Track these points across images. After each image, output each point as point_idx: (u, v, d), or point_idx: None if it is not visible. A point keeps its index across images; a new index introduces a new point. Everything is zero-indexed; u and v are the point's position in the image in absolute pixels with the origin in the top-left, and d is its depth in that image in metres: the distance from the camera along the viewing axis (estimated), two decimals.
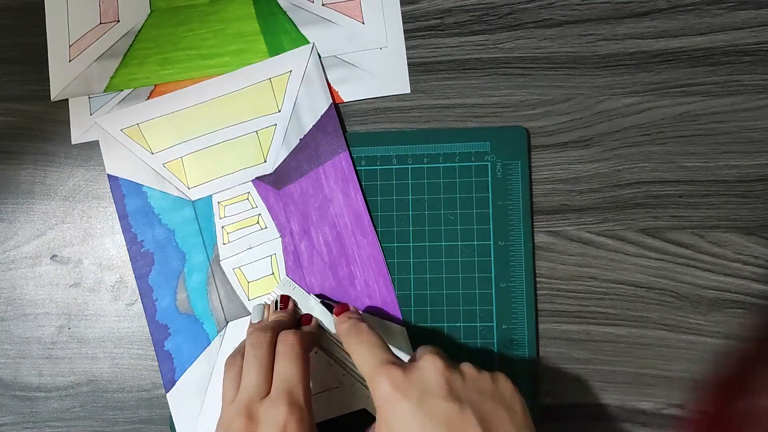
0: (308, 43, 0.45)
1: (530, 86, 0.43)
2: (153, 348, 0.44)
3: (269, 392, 0.34)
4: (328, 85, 0.45)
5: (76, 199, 0.47)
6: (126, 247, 0.45)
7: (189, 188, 0.45)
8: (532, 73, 0.44)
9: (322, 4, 0.46)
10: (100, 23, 0.47)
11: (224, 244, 0.44)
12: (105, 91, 0.47)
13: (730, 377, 0.39)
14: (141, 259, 0.45)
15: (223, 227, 0.44)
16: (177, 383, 0.43)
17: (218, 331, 0.44)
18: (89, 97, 0.47)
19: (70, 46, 0.47)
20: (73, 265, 0.46)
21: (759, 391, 0.36)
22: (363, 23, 0.45)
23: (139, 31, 0.47)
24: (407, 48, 0.45)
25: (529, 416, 0.32)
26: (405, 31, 0.45)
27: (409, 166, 0.44)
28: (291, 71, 0.45)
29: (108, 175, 0.45)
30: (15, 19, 0.48)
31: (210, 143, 0.45)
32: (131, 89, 0.47)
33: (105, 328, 0.45)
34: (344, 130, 0.44)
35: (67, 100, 0.47)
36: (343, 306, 0.39)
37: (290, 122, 0.45)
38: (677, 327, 0.41)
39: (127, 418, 0.44)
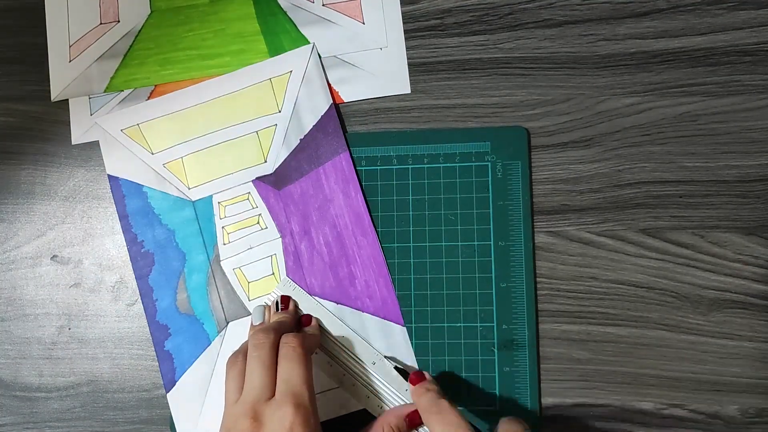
0: (308, 43, 0.45)
1: (530, 86, 0.43)
2: (153, 348, 0.44)
3: (273, 394, 0.34)
4: (329, 85, 0.45)
5: (76, 199, 0.47)
6: (126, 248, 0.45)
7: (189, 188, 0.45)
8: (532, 73, 0.44)
9: (322, 4, 0.46)
10: (100, 23, 0.47)
11: (224, 244, 0.44)
12: (105, 91, 0.47)
13: None
14: (141, 260, 0.45)
15: (223, 227, 0.44)
16: (177, 383, 0.43)
17: (218, 332, 0.44)
18: (89, 98, 0.47)
19: (70, 46, 0.47)
20: (74, 266, 0.46)
21: None
22: (363, 23, 0.45)
23: (140, 31, 0.47)
24: (407, 48, 0.45)
25: None
26: (405, 31, 0.45)
27: (410, 167, 0.44)
28: (291, 71, 0.45)
29: (108, 175, 0.45)
30: (15, 19, 0.48)
31: (210, 143, 0.45)
32: (131, 89, 0.47)
33: (105, 328, 0.45)
34: (344, 130, 0.44)
35: (67, 100, 0.47)
36: (420, 375, 0.37)
37: (290, 122, 0.45)
38: (677, 327, 0.41)
39: (128, 419, 0.44)
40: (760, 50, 0.42)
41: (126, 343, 0.45)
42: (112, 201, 0.46)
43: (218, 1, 0.47)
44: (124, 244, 0.45)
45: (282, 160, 0.44)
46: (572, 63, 0.43)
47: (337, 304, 0.43)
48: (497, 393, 0.41)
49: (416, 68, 0.45)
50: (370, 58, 0.45)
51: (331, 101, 0.44)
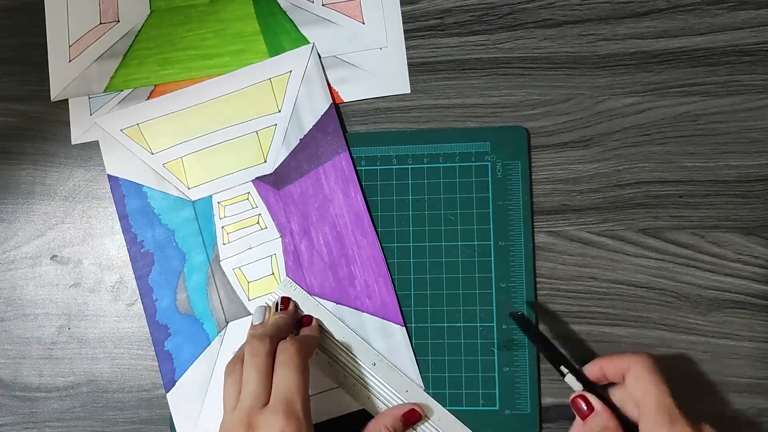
0: (308, 43, 0.45)
1: (530, 86, 0.43)
2: (153, 348, 0.44)
3: (269, 401, 0.34)
4: (329, 85, 0.45)
5: (76, 199, 0.47)
6: (126, 247, 0.45)
7: (189, 188, 0.45)
8: (532, 73, 0.44)
9: (322, 4, 0.46)
10: (100, 23, 0.47)
11: (224, 244, 0.44)
12: (105, 91, 0.47)
13: None
14: (141, 259, 0.45)
15: (223, 227, 0.44)
16: (177, 383, 0.43)
17: (218, 332, 0.44)
18: (89, 97, 0.47)
19: (70, 46, 0.47)
20: (73, 266, 0.46)
21: None
22: (363, 23, 0.45)
23: (139, 31, 0.47)
24: (407, 48, 0.45)
25: None
26: (405, 31, 0.45)
27: (409, 166, 0.44)
28: (291, 71, 0.45)
29: (108, 175, 0.45)
30: (15, 19, 0.48)
31: (210, 143, 0.45)
32: (131, 89, 0.47)
33: (105, 328, 0.45)
34: (344, 130, 0.44)
35: (67, 100, 0.47)
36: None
37: (290, 122, 0.45)
38: (677, 327, 0.41)
39: (127, 419, 0.44)
40: (759, 50, 0.42)
41: (126, 343, 0.45)
42: (112, 201, 0.46)
43: (218, 1, 0.47)
44: (124, 244, 0.45)
45: (282, 160, 0.44)
46: (572, 63, 0.43)
47: (337, 304, 0.43)
48: (497, 393, 0.41)
49: (416, 68, 0.45)
50: (370, 58, 0.45)
51: (331, 101, 0.44)
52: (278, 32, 0.46)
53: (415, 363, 0.42)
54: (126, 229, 0.45)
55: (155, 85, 0.46)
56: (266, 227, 0.44)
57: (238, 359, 0.37)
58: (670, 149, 0.42)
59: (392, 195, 0.43)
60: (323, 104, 0.44)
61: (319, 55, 0.45)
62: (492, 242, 0.42)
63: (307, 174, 0.44)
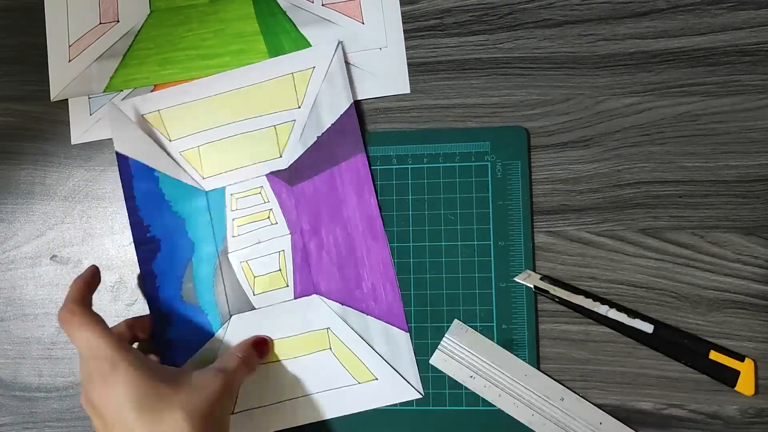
0: (308, 43, 0.45)
1: (530, 86, 0.43)
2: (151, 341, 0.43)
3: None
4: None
5: (75, 199, 0.47)
6: (130, 231, 0.44)
7: (204, 178, 0.45)
8: (532, 73, 0.44)
9: (322, 4, 0.46)
10: (100, 23, 0.47)
11: (233, 236, 0.44)
12: (105, 91, 0.47)
13: None
14: (146, 244, 0.44)
15: (233, 219, 0.44)
16: None
17: (222, 324, 0.43)
18: (89, 97, 0.47)
19: (70, 46, 0.47)
20: (73, 265, 0.46)
21: None
22: (363, 23, 0.45)
23: (139, 31, 0.47)
24: (407, 48, 0.45)
25: None
26: (405, 31, 0.45)
27: (409, 166, 0.44)
28: (314, 67, 0.45)
29: (117, 153, 0.45)
30: (15, 19, 0.48)
31: (228, 134, 0.45)
32: (131, 89, 0.47)
33: None
34: (364, 131, 0.44)
35: (66, 100, 0.47)
36: None
37: (309, 119, 0.44)
38: (677, 327, 0.41)
39: None
40: (759, 50, 0.42)
41: None
42: (112, 201, 0.46)
43: (218, 1, 0.47)
44: (124, 244, 0.45)
45: (297, 157, 0.44)
46: (572, 63, 0.43)
47: (342, 305, 0.43)
48: None
49: (416, 68, 0.45)
50: (370, 58, 0.45)
51: (352, 100, 0.44)
52: (278, 32, 0.46)
53: (417, 369, 0.42)
54: (132, 212, 0.44)
55: (155, 85, 0.46)
56: (276, 222, 0.44)
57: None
58: (670, 149, 0.42)
59: (392, 195, 0.43)
60: (344, 103, 0.44)
61: (344, 52, 0.45)
62: (492, 242, 0.42)
63: (322, 172, 0.44)
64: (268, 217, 0.44)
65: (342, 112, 0.44)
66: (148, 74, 0.46)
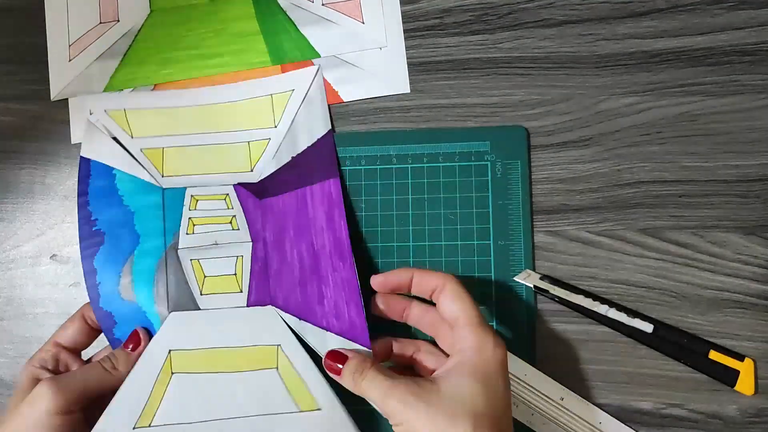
0: (308, 42, 0.45)
1: (530, 86, 0.43)
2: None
3: None
4: (330, 87, 0.45)
5: (75, 198, 0.47)
6: (77, 225, 0.43)
7: (163, 176, 0.43)
8: (532, 73, 0.44)
9: (322, 4, 0.46)
10: (100, 23, 0.47)
11: (187, 233, 0.42)
12: (105, 90, 0.47)
13: None
14: (89, 238, 0.42)
15: (190, 218, 0.43)
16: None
17: (161, 322, 0.41)
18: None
19: (70, 46, 0.47)
20: (73, 265, 0.46)
21: None
22: (363, 23, 0.45)
23: (139, 30, 0.47)
24: (407, 48, 0.45)
25: None
26: (405, 31, 0.45)
27: (409, 166, 0.44)
28: (293, 90, 0.45)
29: (81, 156, 0.44)
30: (15, 19, 0.48)
31: (197, 143, 0.44)
32: (131, 89, 0.47)
33: None
34: (338, 159, 0.44)
35: (67, 99, 0.47)
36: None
37: (285, 140, 0.44)
38: (677, 327, 0.41)
39: None
40: (759, 50, 0.42)
41: None
42: None
43: (218, 0, 0.47)
44: None
45: (269, 173, 0.44)
46: (572, 63, 0.43)
47: (300, 319, 0.41)
48: None
49: (416, 68, 0.45)
50: (370, 57, 0.45)
51: (330, 126, 0.44)
52: (278, 32, 0.46)
53: None
54: (81, 207, 0.43)
55: (155, 85, 0.46)
56: (238, 229, 0.43)
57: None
58: (669, 149, 0.42)
59: (392, 194, 0.43)
60: (322, 128, 0.44)
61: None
62: (492, 242, 0.42)
63: (293, 191, 0.43)
64: (230, 222, 0.43)
65: (319, 137, 0.44)
66: (148, 74, 0.46)
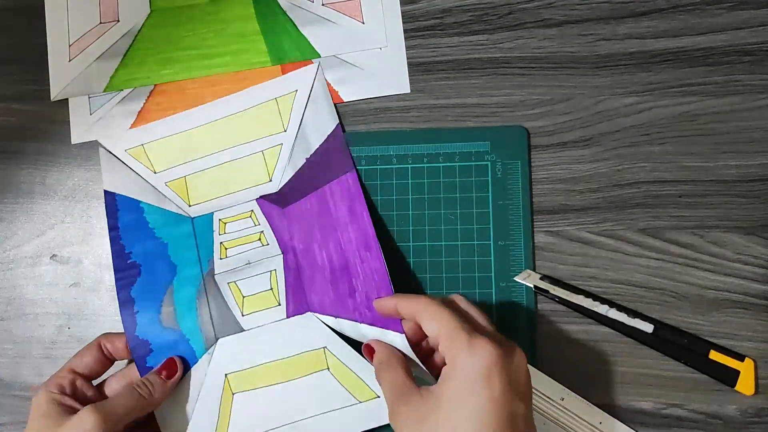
0: (308, 42, 0.45)
1: (530, 86, 0.44)
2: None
3: None
4: (332, 88, 0.45)
5: (75, 198, 0.47)
6: (111, 258, 0.44)
7: (190, 206, 0.44)
8: (532, 73, 0.44)
9: (322, 4, 0.46)
10: (100, 23, 0.47)
11: (221, 258, 0.43)
12: (105, 90, 0.47)
13: None
14: (125, 270, 0.43)
15: (221, 243, 0.44)
16: (163, 402, 0.40)
17: (206, 349, 0.42)
18: (89, 97, 0.47)
19: (70, 46, 0.47)
20: (73, 265, 0.46)
21: None
22: (363, 23, 0.45)
23: (139, 30, 0.47)
24: (407, 48, 0.45)
25: None
26: (405, 31, 0.45)
27: (409, 166, 0.44)
28: (297, 90, 0.45)
29: (105, 190, 0.45)
30: (15, 19, 0.48)
31: (215, 163, 0.45)
32: (131, 89, 0.47)
33: (105, 327, 0.45)
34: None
35: (67, 100, 0.47)
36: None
37: (296, 142, 0.44)
38: (677, 327, 0.41)
39: None
40: (759, 50, 0.42)
41: None
42: None
43: (218, 0, 0.47)
44: None
45: (287, 179, 0.44)
46: (572, 63, 0.43)
47: (336, 317, 0.41)
48: None
49: (416, 68, 0.45)
50: (370, 57, 0.45)
51: (338, 121, 0.44)
52: (278, 32, 0.46)
53: (423, 367, 0.41)
54: (114, 240, 0.44)
55: (155, 85, 0.46)
56: (268, 244, 0.43)
57: None
58: (669, 149, 0.42)
59: (392, 195, 0.43)
60: (330, 124, 0.44)
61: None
62: (492, 242, 0.42)
63: (313, 192, 0.43)
64: (259, 239, 0.43)
65: (329, 133, 0.44)
66: (148, 74, 0.46)
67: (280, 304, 0.42)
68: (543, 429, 0.39)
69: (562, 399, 0.40)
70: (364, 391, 0.41)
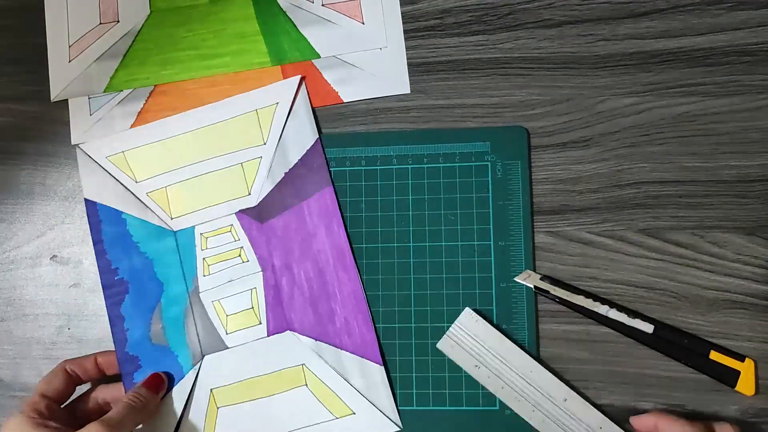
0: (308, 43, 0.45)
1: (530, 86, 0.44)
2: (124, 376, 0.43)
3: None
4: (330, 86, 0.45)
5: (75, 199, 0.47)
6: (98, 274, 0.44)
7: (172, 218, 0.44)
8: (532, 73, 0.44)
9: (322, 5, 0.46)
10: (100, 23, 0.47)
11: (204, 276, 0.44)
12: (105, 91, 0.47)
13: None
14: (114, 287, 0.44)
15: (204, 259, 0.44)
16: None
17: (193, 365, 0.43)
18: (89, 98, 0.47)
19: (70, 47, 0.47)
20: (73, 266, 0.46)
21: None
22: (363, 23, 0.45)
23: (139, 31, 0.47)
24: (407, 48, 0.45)
25: None
26: (405, 31, 0.45)
27: (409, 166, 0.44)
28: (278, 103, 0.45)
29: (85, 199, 0.45)
30: (15, 19, 0.48)
31: (195, 173, 0.45)
32: (131, 89, 0.47)
33: (104, 328, 0.45)
34: (329, 164, 0.44)
35: (66, 100, 0.47)
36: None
37: (276, 155, 0.44)
38: (677, 327, 0.41)
39: None
40: (759, 50, 0.42)
41: None
42: None
43: (218, 1, 0.47)
44: None
45: (266, 194, 0.44)
46: (572, 63, 0.43)
47: (316, 340, 0.42)
48: None
49: (416, 68, 0.45)
50: (370, 58, 0.45)
51: (317, 136, 0.44)
52: (278, 32, 0.46)
53: (393, 402, 0.41)
54: (100, 255, 0.44)
55: (155, 86, 0.46)
56: (248, 260, 0.44)
57: None
58: (669, 149, 0.42)
59: (392, 195, 0.43)
60: (309, 138, 0.44)
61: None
62: (492, 242, 0.42)
63: (291, 208, 0.44)
64: (239, 255, 0.44)
65: (308, 147, 0.44)
66: (148, 74, 0.46)
67: (261, 323, 0.43)
68: (542, 426, 0.39)
69: (565, 400, 0.40)
70: (340, 407, 0.42)
